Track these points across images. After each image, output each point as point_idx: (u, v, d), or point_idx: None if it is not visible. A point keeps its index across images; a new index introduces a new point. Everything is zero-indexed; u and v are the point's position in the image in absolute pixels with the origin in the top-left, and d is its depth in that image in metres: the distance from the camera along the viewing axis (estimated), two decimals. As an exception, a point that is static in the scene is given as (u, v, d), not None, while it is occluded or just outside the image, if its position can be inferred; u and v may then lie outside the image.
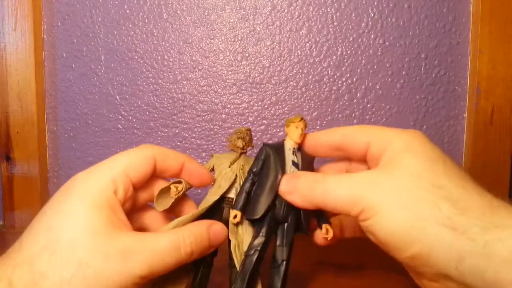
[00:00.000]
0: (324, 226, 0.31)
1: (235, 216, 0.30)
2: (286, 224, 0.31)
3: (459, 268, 0.23)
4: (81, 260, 0.24)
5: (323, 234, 0.31)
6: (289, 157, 0.32)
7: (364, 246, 0.35)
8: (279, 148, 0.32)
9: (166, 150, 0.31)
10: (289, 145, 0.32)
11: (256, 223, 0.31)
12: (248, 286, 0.29)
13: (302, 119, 0.32)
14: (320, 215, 0.31)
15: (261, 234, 0.30)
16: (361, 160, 0.30)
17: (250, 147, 0.35)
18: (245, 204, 0.31)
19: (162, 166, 0.31)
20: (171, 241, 0.27)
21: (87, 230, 0.25)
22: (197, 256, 0.28)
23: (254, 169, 0.31)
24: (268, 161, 0.31)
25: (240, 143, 0.34)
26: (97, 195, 0.26)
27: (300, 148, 0.33)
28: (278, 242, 0.31)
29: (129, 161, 0.29)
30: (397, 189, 0.25)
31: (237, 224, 0.31)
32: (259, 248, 0.30)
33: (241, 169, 0.33)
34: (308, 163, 0.32)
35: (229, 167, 0.34)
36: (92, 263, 0.24)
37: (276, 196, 0.30)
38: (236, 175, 0.33)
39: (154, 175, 0.31)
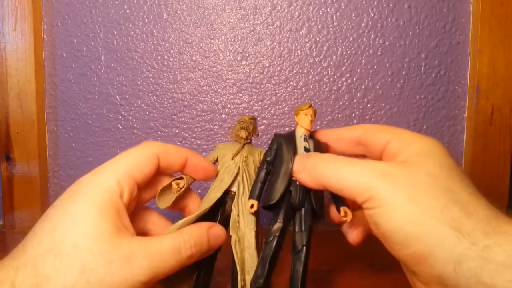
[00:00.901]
0: (342, 209, 0.31)
1: (252, 206, 0.30)
2: (303, 210, 0.31)
3: (456, 270, 0.23)
4: (85, 265, 0.24)
5: (341, 217, 0.31)
6: (301, 143, 0.32)
7: (363, 246, 0.35)
8: (290, 136, 0.33)
9: (169, 146, 0.31)
10: (300, 133, 0.33)
11: (273, 210, 0.31)
12: (269, 272, 0.29)
13: (310, 106, 0.33)
14: (338, 199, 0.31)
15: (278, 220, 0.30)
16: (378, 158, 0.31)
17: (255, 136, 0.35)
18: (261, 193, 0.31)
19: (165, 163, 0.31)
20: (172, 245, 0.27)
21: (92, 235, 0.24)
22: (197, 258, 0.28)
23: (268, 159, 0.32)
24: (280, 150, 0.32)
25: (243, 134, 0.34)
26: (103, 199, 0.26)
27: (312, 136, 0.33)
28: (296, 228, 0.31)
29: (133, 161, 0.29)
30: (412, 184, 0.25)
31: (238, 219, 0.31)
32: (277, 234, 0.30)
33: (244, 161, 0.33)
34: (320, 151, 0.33)
35: (232, 159, 0.33)
36: (96, 269, 0.24)
37: (291, 181, 0.31)
38: (239, 168, 0.33)
39: (158, 172, 0.31)
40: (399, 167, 0.26)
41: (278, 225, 0.30)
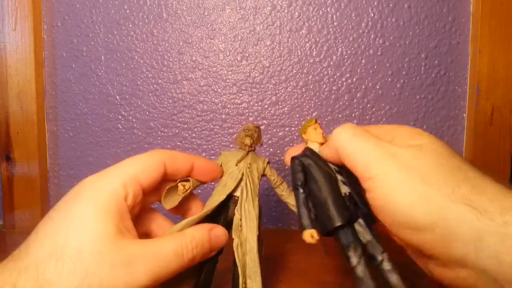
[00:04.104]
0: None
1: (312, 236, 0.27)
2: (359, 219, 0.28)
3: (477, 247, 0.22)
4: (88, 269, 0.23)
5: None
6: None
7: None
8: (314, 154, 0.31)
9: (176, 154, 0.31)
10: (316, 148, 0.31)
11: (332, 235, 0.28)
12: None
13: (316, 120, 0.32)
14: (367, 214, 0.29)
15: (352, 244, 0.27)
16: None
17: (259, 144, 0.35)
18: (312, 219, 0.28)
19: (172, 170, 0.31)
20: (174, 248, 0.26)
21: (95, 238, 0.24)
22: (199, 260, 0.28)
23: (299, 182, 0.29)
24: (312, 169, 0.29)
25: (247, 141, 0.34)
26: (107, 201, 0.26)
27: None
28: (367, 238, 0.27)
29: (140, 166, 0.29)
30: (422, 164, 0.25)
31: (241, 223, 0.31)
32: (361, 254, 0.26)
33: (248, 167, 0.33)
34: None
35: (236, 165, 0.33)
36: (99, 273, 0.23)
37: (344, 197, 0.28)
38: (243, 174, 0.33)
39: (164, 178, 0.31)
40: (409, 149, 0.26)
41: (355, 248, 0.27)
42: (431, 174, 0.24)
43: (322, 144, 0.31)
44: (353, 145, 0.27)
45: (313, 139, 0.32)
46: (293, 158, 0.31)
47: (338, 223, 0.27)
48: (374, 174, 0.25)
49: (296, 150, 0.33)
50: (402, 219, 0.24)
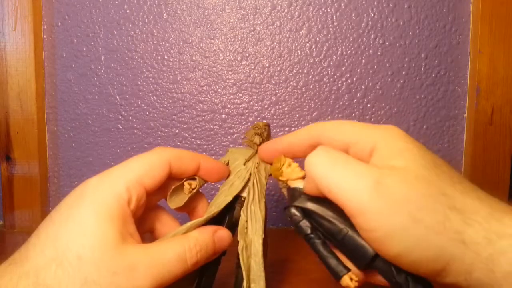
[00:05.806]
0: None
1: (351, 279, 0.25)
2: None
3: (468, 279, 0.22)
4: (88, 277, 0.23)
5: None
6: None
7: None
8: (302, 193, 0.27)
9: (182, 153, 0.30)
10: (302, 185, 0.28)
11: (376, 263, 0.25)
12: None
13: (284, 155, 0.29)
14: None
15: (393, 269, 0.25)
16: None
17: None
18: (342, 262, 0.26)
19: (178, 170, 0.30)
20: (178, 253, 0.26)
21: (96, 245, 0.24)
22: (202, 264, 0.28)
23: (308, 231, 0.26)
24: (314, 208, 0.26)
25: (257, 139, 0.33)
26: (110, 206, 0.25)
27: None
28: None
29: (144, 168, 0.28)
30: (409, 198, 0.23)
31: (247, 225, 0.30)
32: (406, 274, 0.25)
33: (256, 167, 0.32)
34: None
35: (244, 164, 0.33)
36: (99, 281, 0.23)
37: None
38: (251, 174, 0.32)
39: (169, 178, 0.30)
40: (392, 174, 0.24)
41: (399, 270, 0.24)
42: (421, 211, 0.23)
43: (304, 177, 0.28)
44: (332, 177, 0.24)
45: (294, 177, 0.28)
46: (286, 209, 0.27)
47: (372, 254, 0.24)
48: (363, 212, 0.23)
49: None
50: (397, 259, 0.24)
